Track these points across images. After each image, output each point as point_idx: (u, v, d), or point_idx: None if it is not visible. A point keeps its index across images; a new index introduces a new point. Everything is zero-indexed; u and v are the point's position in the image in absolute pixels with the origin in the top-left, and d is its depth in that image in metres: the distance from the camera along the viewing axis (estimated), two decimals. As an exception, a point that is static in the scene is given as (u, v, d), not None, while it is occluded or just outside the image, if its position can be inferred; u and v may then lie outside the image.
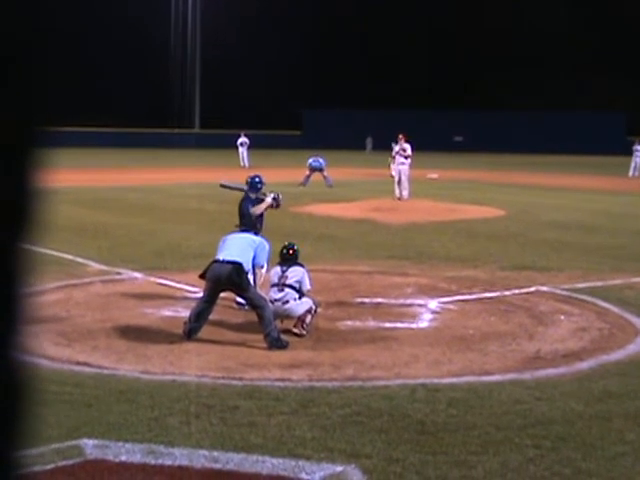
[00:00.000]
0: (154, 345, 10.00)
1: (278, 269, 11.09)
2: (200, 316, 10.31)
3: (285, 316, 10.71)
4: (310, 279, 11.15)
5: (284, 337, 10.23)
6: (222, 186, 13.74)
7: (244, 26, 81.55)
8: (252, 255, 10.50)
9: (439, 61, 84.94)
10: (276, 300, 10.71)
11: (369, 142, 77.31)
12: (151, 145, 72.11)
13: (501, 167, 53.97)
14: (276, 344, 9.96)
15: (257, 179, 12.74)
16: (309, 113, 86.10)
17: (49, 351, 9.58)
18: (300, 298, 10.85)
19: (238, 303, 11.66)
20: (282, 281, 10.89)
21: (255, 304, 10.27)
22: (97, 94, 75.98)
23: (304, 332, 10.60)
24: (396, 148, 30.59)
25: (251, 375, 8.82)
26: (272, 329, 10.07)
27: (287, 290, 10.81)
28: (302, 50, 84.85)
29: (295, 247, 11.46)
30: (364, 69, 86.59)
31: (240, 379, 8.64)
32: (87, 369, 8.93)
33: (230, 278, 10.18)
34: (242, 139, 50.44)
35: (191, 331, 10.24)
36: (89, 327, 10.87)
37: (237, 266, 10.22)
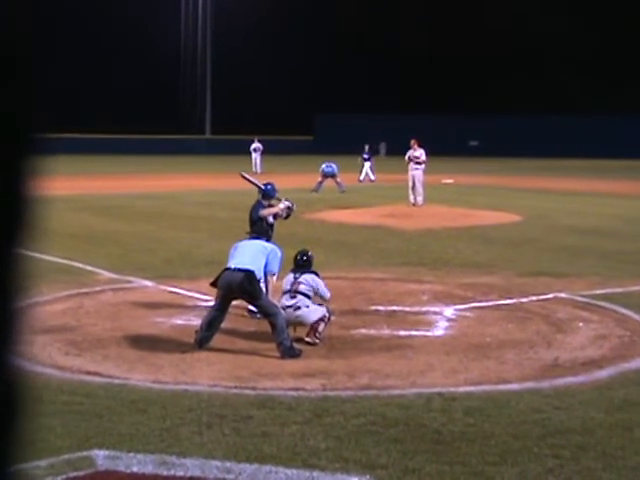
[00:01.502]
0: (165, 354, 10.00)
1: (291, 276, 11.07)
2: (211, 325, 10.30)
3: (297, 323, 10.69)
4: (327, 286, 11.13)
5: (297, 346, 10.21)
6: (242, 176, 13.71)
7: (255, 31, 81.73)
8: (264, 262, 10.49)
9: (454, 65, 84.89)
10: (288, 307, 10.69)
11: (382, 147, 77.28)
12: (162, 152, 72.29)
13: (517, 172, 53.86)
14: (289, 353, 9.94)
15: (270, 186, 12.75)
16: (321, 118, 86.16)
17: (59, 361, 9.60)
18: (312, 304, 10.83)
19: (250, 311, 11.65)
20: (294, 287, 10.87)
21: (267, 312, 10.26)
22: (108, 101, 76.29)
23: (317, 341, 10.58)
24: (409, 153, 30.52)
25: (264, 384, 8.81)
26: (285, 337, 10.06)
27: (299, 297, 10.79)
28: (315, 54, 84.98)
29: (310, 254, 11.44)
30: (378, 74, 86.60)
31: (253, 388, 8.63)
32: (98, 379, 8.94)
33: (242, 286, 10.18)
34: (255, 144, 50.36)
35: (202, 340, 10.24)
36: (100, 336, 10.88)
37: (249, 274, 10.21)
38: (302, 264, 11.22)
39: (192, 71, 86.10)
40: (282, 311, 10.44)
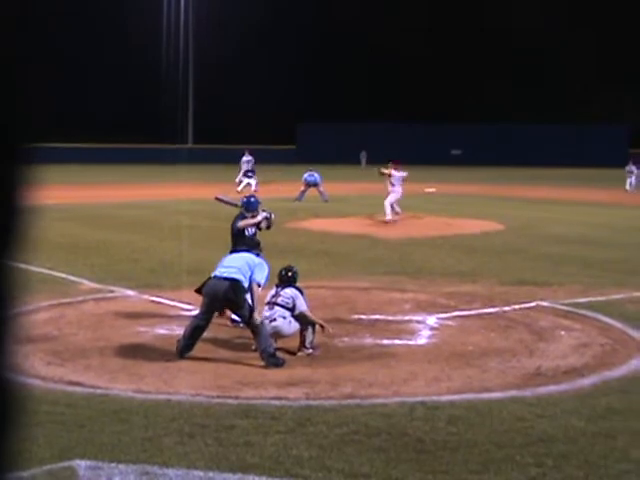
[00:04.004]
0: (148, 364, 9.97)
1: (274, 290, 11.10)
2: (194, 333, 10.29)
3: (274, 334, 10.67)
4: (306, 301, 11.07)
5: (280, 354, 10.22)
6: (217, 199, 13.76)
7: (237, 40, 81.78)
8: (250, 273, 10.48)
9: (436, 74, 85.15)
10: (265, 318, 10.69)
11: (363, 156, 77.36)
12: (144, 161, 72.10)
13: (500, 181, 54.05)
14: (272, 361, 9.95)
15: (252, 198, 12.81)
16: (303, 127, 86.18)
17: (41, 371, 9.55)
18: (293, 318, 10.80)
19: (233, 320, 11.64)
20: (273, 300, 10.89)
21: (250, 321, 10.26)
22: (88, 110, 76.09)
23: (310, 351, 10.59)
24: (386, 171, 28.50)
25: (247, 394, 8.80)
26: (267, 346, 10.07)
27: (277, 308, 10.78)
28: (295, 64, 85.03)
29: (294, 269, 11.42)
30: (359, 82, 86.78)
31: (236, 398, 8.62)
32: (80, 389, 8.90)
33: (226, 295, 10.19)
34: (246, 157, 48.18)
35: (184, 349, 10.22)
36: (81, 346, 10.85)
37: (234, 283, 10.22)
38: (286, 279, 11.21)
39: (174, 80, 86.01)
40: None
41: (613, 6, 78.83)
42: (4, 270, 1.71)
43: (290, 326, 10.72)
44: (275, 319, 10.69)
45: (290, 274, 11.30)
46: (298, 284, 11.17)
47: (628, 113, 76.37)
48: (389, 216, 27.14)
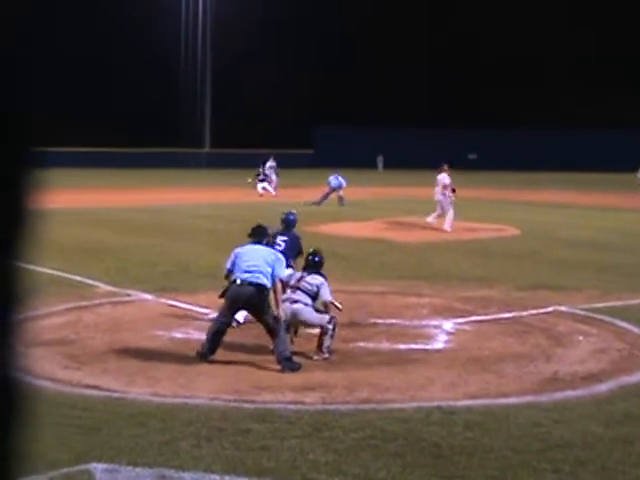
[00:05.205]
0: (165, 367, 9.99)
1: (299, 274, 11.09)
2: (215, 337, 10.30)
3: (292, 317, 10.61)
4: (331, 292, 11.07)
5: (296, 359, 10.21)
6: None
7: (254, 43, 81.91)
8: (271, 270, 10.43)
9: (452, 78, 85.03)
10: (286, 299, 10.68)
11: (380, 161, 77.35)
12: (161, 165, 72.29)
13: (515, 185, 53.88)
14: (288, 365, 9.94)
15: (292, 216, 13.21)
16: (321, 131, 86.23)
17: (58, 374, 9.58)
18: (314, 307, 10.77)
19: (237, 322, 11.60)
20: (296, 284, 10.86)
21: (270, 326, 10.24)
22: (107, 114, 76.36)
23: (326, 355, 10.57)
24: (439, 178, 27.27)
25: (263, 398, 8.80)
26: (284, 349, 10.07)
27: (299, 293, 10.76)
28: (314, 67, 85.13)
29: (321, 255, 11.40)
30: (377, 86, 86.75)
31: (252, 402, 8.61)
32: (96, 392, 8.92)
33: (251, 300, 10.19)
34: (271, 163, 48.07)
35: (207, 352, 10.21)
36: (98, 349, 10.87)
37: (259, 288, 10.22)
38: (312, 264, 11.18)
39: (192, 84, 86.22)
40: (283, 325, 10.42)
41: None
42: (11, 270, 1.71)
43: (310, 315, 10.68)
44: (297, 301, 10.66)
45: (317, 259, 11.27)
46: None
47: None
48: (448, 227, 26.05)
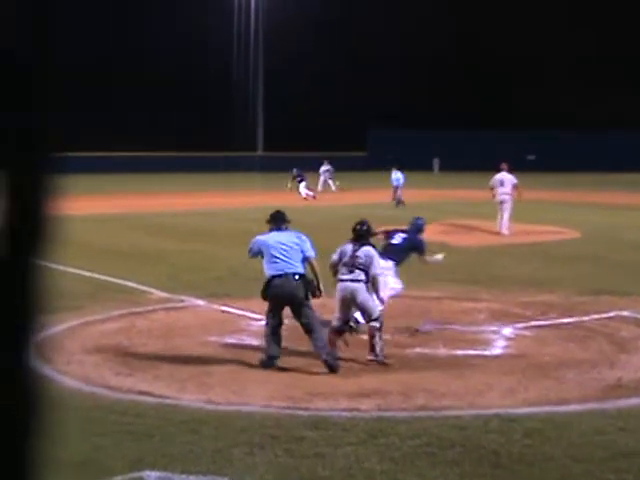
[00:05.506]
0: (217, 374, 10.04)
1: (349, 247, 10.96)
2: (275, 338, 10.35)
3: (350, 295, 10.60)
4: (379, 264, 11.03)
5: (350, 366, 10.21)
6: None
7: (307, 45, 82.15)
8: (301, 255, 10.46)
9: (510, 78, 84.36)
10: (344, 280, 10.65)
11: (436, 163, 77.12)
12: (213, 169, 72.75)
13: (576, 186, 53.23)
14: (331, 362, 10.05)
15: (420, 222, 13.92)
16: (375, 134, 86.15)
17: (110, 381, 9.68)
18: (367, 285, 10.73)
19: (355, 321, 11.48)
20: (352, 261, 10.76)
21: (310, 323, 10.31)
22: (157, 119, 77.14)
23: (381, 358, 10.55)
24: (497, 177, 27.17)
25: (317, 405, 8.80)
26: (324, 345, 10.22)
27: (357, 271, 10.70)
28: (365, 69, 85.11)
29: (369, 224, 11.34)
30: (432, 88, 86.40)
31: (306, 409, 8.62)
32: (149, 399, 8.99)
33: (295, 292, 10.25)
34: (326, 167, 49.43)
35: (274, 358, 10.27)
36: (151, 355, 10.97)
37: (300, 278, 10.31)
38: (362, 234, 11.10)
39: (244, 87, 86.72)
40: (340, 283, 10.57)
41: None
42: (31, 270, 1.73)
43: (365, 296, 10.67)
44: (359, 281, 10.63)
45: (365, 227, 11.20)
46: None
47: None
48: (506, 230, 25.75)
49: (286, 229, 10.92)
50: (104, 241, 23.36)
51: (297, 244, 10.51)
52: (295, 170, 43.88)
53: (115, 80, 74.83)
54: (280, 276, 10.32)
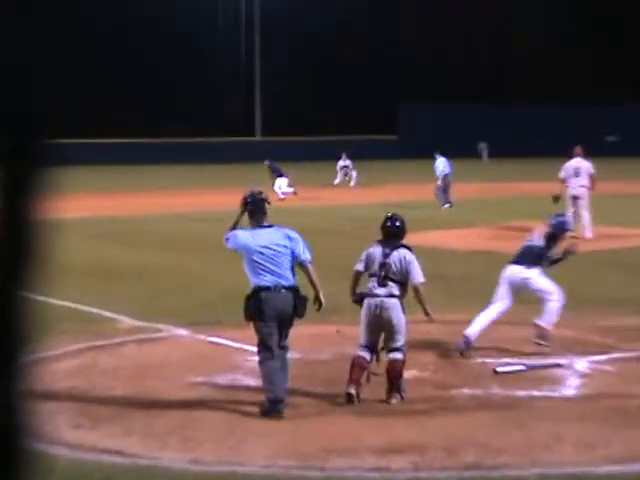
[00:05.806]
0: (207, 426, 10.03)
1: (379, 251, 10.93)
2: (284, 377, 10.35)
3: (385, 320, 10.59)
4: (421, 269, 11.02)
5: (374, 408, 10.19)
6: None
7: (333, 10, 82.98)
8: (289, 259, 10.42)
9: (581, 44, 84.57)
10: (374, 295, 10.64)
11: (483, 148, 76.88)
12: (201, 159, 73.16)
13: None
14: (270, 409, 10.07)
15: (555, 221, 14.09)
16: (406, 111, 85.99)
17: (68, 436, 9.68)
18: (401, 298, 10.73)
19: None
20: (384, 272, 10.72)
21: (286, 345, 10.40)
22: (133, 99, 77.96)
23: (405, 394, 10.59)
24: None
25: (336, 463, 8.78)
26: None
27: (391, 285, 10.68)
28: (394, 36, 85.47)
29: (403, 219, 11.26)
30: (475, 57, 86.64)
31: (321, 469, 8.61)
32: (118, 459, 8.98)
33: (286, 311, 10.31)
34: (343, 162, 52.57)
35: (279, 402, 10.23)
36: (120, 402, 10.97)
37: (293, 293, 10.35)
38: (394, 232, 11.05)
39: (234, 55, 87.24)
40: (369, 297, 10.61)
41: None
42: (15, 303, 1.73)
43: (398, 315, 10.67)
44: (392, 295, 10.61)
45: (398, 224, 11.13)
46: None
47: None
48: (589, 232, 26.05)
49: (269, 226, 10.71)
50: (61, 254, 23.39)
51: (286, 246, 10.44)
52: (267, 161, 44.25)
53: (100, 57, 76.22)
54: (268, 288, 10.29)
